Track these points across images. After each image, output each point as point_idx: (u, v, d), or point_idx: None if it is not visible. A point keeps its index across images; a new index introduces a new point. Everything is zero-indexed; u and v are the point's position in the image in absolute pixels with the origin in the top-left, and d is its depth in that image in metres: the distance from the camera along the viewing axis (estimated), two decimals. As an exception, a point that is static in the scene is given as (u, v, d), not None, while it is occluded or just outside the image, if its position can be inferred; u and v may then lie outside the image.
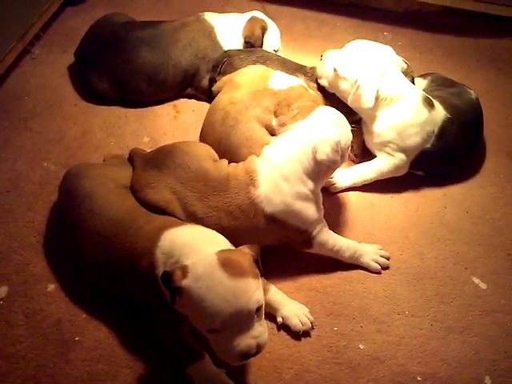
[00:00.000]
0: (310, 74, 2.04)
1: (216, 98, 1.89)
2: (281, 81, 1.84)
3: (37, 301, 1.58)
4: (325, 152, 1.57)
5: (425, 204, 1.91)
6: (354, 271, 1.70)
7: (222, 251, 1.32)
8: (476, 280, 1.72)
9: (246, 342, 1.25)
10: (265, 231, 1.59)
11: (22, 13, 2.27)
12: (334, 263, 1.69)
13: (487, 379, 1.51)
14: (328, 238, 1.65)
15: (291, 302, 1.57)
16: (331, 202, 1.85)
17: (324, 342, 1.55)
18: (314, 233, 1.62)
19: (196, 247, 1.35)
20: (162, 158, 1.64)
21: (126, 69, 2.11)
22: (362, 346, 1.55)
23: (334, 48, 2.14)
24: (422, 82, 2.09)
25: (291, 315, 1.54)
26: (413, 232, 1.83)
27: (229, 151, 1.75)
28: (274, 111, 1.80)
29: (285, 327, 1.56)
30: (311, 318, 1.56)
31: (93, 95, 2.18)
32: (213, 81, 2.09)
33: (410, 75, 1.98)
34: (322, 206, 1.65)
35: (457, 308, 1.65)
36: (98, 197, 1.55)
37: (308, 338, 1.55)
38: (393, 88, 1.83)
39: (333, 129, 1.61)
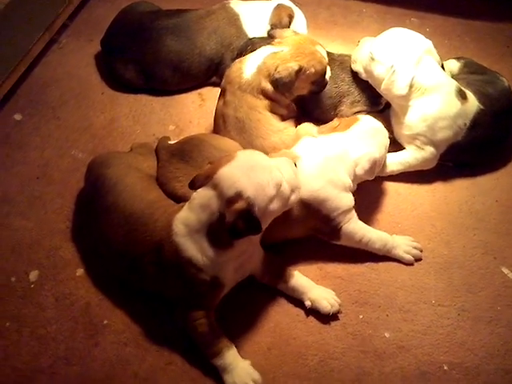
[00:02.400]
0: (337, 61, 2.02)
1: (215, 109, 1.89)
2: (250, 66, 1.81)
3: (66, 285, 1.61)
4: (363, 168, 1.65)
5: (453, 193, 1.88)
6: (380, 260, 1.68)
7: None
8: (505, 270, 1.69)
9: None
10: (295, 220, 1.59)
11: (48, 3, 2.29)
12: (360, 252, 1.68)
13: (515, 370, 1.49)
14: (357, 228, 1.64)
15: (317, 286, 1.58)
16: (356, 191, 1.83)
17: (349, 329, 1.55)
18: (343, 223, 1.62)
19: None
20: (188, 151, 1.65)
21: (151, 57, 2.12)
22: (387, 335, 1.54)
23: (359, 35, 2.12)
24: (455, 64, 2.05)
25: (319, 298, 1.54)
26: (440, 221, 1.80)
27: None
28: (261, 89, 1.78)
29: (312, 312, 1.56)
30: (338, 300, 1.56)
31: (119, 84, 2.20)
32: (237, 68, 2.08)
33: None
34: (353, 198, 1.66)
35: (485, 298, 1.62)
36: (122, 189, 1.56)
37: (333, 325, 1.55)
38: (427, 77, 1.80)
39: (372, 145, 1.68)
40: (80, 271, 1.64)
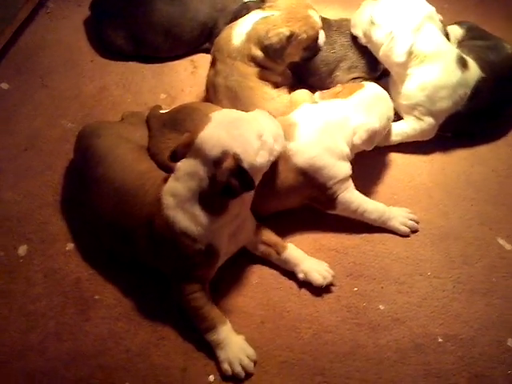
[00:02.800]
0: (335, 26, 1.96)
1: (206, 78, 1.84)
2: (239, 33, 1.75)
3: (56, 259, 1.59)
4: (361, 138, 1.60)
5: (451, 163, 1.85)
6: (375, 232, 1.66)
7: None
8: (501, 241, 1.67)
9: None
10: (291, 188, 1.57)
11: (34, -36, 2.21)
12: (355, 224, 1.66)
13: (510, 341, 1.48)
14: (353, 198, 1.61)
15: (309, 258, 1.56)
16: (353, 161, 1.79)
17: (343, 302, 1.54)
18: (339, 191, 1.59)
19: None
20: (181, 120, 1.61)
21: (141, 22, 2.05)
22: (382, 307, 1.53)
23: (354, -1, 2.05)
24: (458, 30, 1.99)
25: (312, 270, 1.53)
26: (437, 192, 1.78)
27: None
28: (251, 56, 1.72)
29: (306, 285, 1.55)
30: (331, 271, 1.55)
31: (109, 50, 2.13)
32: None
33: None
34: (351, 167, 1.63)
35: (481, 269, 1.61)
36: (112, 160, 1.53)
37: (327, 298, 1.54)
38: (427, 45, 1.74)
39: (373, 115, 1.63)
40: (70, 245, 1.62)
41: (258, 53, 1.71)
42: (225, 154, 1.31)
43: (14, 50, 2.14)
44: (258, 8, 1.81)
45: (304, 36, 1.73)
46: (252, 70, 1.73)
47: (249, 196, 1.42)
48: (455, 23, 2.03)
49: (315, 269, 1.54)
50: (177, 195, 1.36)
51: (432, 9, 1.80)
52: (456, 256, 1.63)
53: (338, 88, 1.71)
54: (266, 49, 1.70)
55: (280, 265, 1.57)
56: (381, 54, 1.80)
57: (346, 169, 1.60)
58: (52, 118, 1.94)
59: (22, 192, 1.73)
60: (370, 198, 1.66)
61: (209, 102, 1.79)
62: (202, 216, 1.34)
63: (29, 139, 1.87)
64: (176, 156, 1.39)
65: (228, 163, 1.31)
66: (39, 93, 2.01)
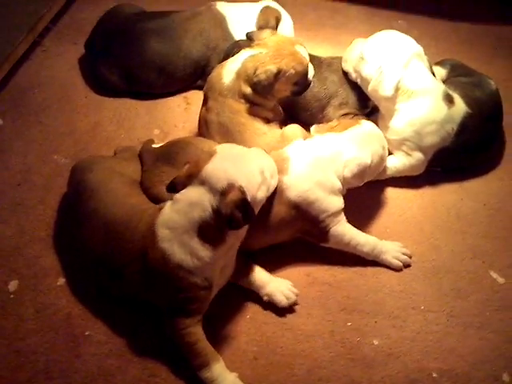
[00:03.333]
0: (325, 63, 2.01)
1: (199, 115, 1.86)
2: (229, 71, 1.79)
3: (47, 295, 1.57)
4: (351, 171, 1.61)
5: (441, 196, 1.87)
6: (368, 265, 1.66)
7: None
8: (494, 274, 1.67)
9: None
10: (284, 222, 1.58)
11: (32, 5, 2.27)
12: (348, 257, 1.66)
13: (505, 376, 1.47)
14: (345, 231, 1.62)
15: (274, 279, 1.57)
16: (344, 195, 1.81)
17: (337, 337, 1.52)
18: (331, 225, 1.60)
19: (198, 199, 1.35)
20: (174, 154, 1.62)
21: (135, 60, 2.09)
22: (376, 342, 1.52)
23: (346, 37, 2.11)
24: (441, 71, 2.03)
25: (275, 291, 1.54)
26: (428, 225, 1.79)
27: None
28: (242, 93, 1.75)
29: (299, 319, 1.54)
30: (295, 290, 1.56)
31: (103, 87, 2.16)
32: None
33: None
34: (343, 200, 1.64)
35: (474, 303, 1.61)
36: (103, 195, 1.53)
37: (321, 333, 1.52)
38: (415, 81, 1.78)
39: (365, 150, 1.64)
40: (61, 281, 1.60)
41: (248, 90, 1.74)
42: (231, 186, 1.33)
43: (9, 87, 2.16)
44: (248, 46, 1.85)
45: (292, 71, 1.76)
46: (243, 107, 1.76)
47: (244, 229, 1.43)
48: (436, 63, 2.06)
49: (279, 290, 1.54)
50: (173, 227, 1.35)
51: (420, 48, 1.85)
52: (449, 290, 1.63)
53: (334, 122, 1.73)
54: (254, 86, 1.73)
55: (245, 286, 1.57)
56: (369, 89, 1.84)
57: (337, 202, 1.61)
58: (45, 153, 1.95)
59: (13, 226, 1.73)
60: (362, 231, 1.67)
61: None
62: (199, 249, 1.34)
63: (22, 174, 1.88)
64: (175, 187, 1.39)
65: (234, 195, 1.32)
66: (33, 128, 2.03)
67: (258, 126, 1.77)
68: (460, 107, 1.82)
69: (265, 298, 1.55)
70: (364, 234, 1.66)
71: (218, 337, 1.49)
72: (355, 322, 1.55)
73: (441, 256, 1.71)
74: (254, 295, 1.57)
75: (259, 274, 1.56)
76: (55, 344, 1.47)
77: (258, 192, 1.40)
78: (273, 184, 1.49)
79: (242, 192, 1.34)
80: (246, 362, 1.46)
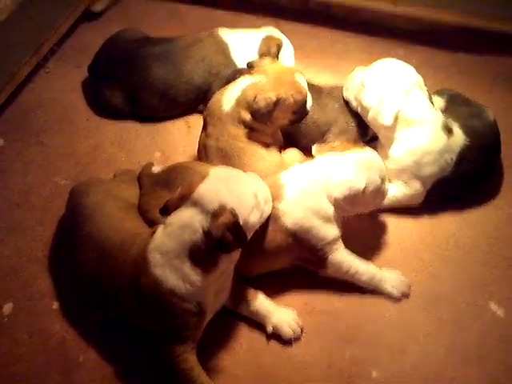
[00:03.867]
0: (325, 91, 2.02)
1: (198, 140, 1.87)
2: (229, 98, 1.80)
3: (41, 318, 1.55)
4: (342, 193, 1.57)
5: (440, 225, 1.86)
6: (367, 294, 1.65)
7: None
8: (493, 305, 1.66)
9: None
10: (281, 249, 1.57)
11: (37, 27, 2.29)
12: (347, 286, 1.64)
13: (506, 410, 1.45)
14: (343, 258, 1.61)
15: (279, 309, 1.55)
16: (343, 223, 1.80)
17: (335, 368, 1.50)
18: (329, 252, 1.59)
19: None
20: (172, 179, 1.62)
21: (138, 84, 2.11)
22: (374, 374, 1.50)
23: (347, 65, 2.13)
24: (439, 101, 2.04)
25: (281, 323, 1.52)
26: (427, 254, 1.78)
27: None
28: (241, 119, 1.76)
29: (298, 349, 1.53)
30: (300, 323, 1.54)
31: (105, 110, 2.18)
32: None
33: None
34: (340, 227, 1.63)
35: (474, 334, 1.59)
36: (98, 219, 1.52)
37: (320, 363, 1.51)
38: (414, 110, 1.79)
39: (360, 175, 1.60)
40: (56, 304, 1.59)
41: (247, 116, 1.75)
42: (223, 208, 1.32)
43: (11, 108, 2.17)
44: (248, 74, 1.87)
45: (291, 100, 1.78)
46: (242, 132, 1.77)
47: (237, 253, 1.42)
48: (435, 93, 2.07)
49: (285, 321, 1.52)
50: (165, 252, 1.34)
51: (420, 77, 1.87)
52: (448, 320, 1.62)
53: (336, 143, 1.72)
54: (254, 112, 1.74)
55: (249, 316, 1.55)
56: (369, 118, 1.85)
57: (333, 231, 1.60)
58: (45, 174, 1.95)
59: (10, 247, 1.72)
60: (360, 259, 1.65)
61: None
62: (191, 273, 1.33)
63: (21, 194, 1.88)
64: (168, 209, 1.38)
65: (225, 218, 1.31)
66: (34, 149, 2.04)
67: (257, 150, 1.77)
68: (459, 137, 1.83)
69: (269, 328, 1.52)
70: (363, 262, 1.65)
71: (214, 366, 1.47)
72: (354, 353, 1.53)
73: (440, 285, 1.70)
74: (252, 323, 1.55)
75: (264, 304, 1.54)
76: (48, 369, 1.46)
77: (250, 216, 1.39)
78: (266, 210, 1.48)
79: (234, 215, 1.33)
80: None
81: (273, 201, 1.55)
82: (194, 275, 1.33)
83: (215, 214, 1.32)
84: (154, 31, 2.35)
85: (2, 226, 1.78)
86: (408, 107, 1.79)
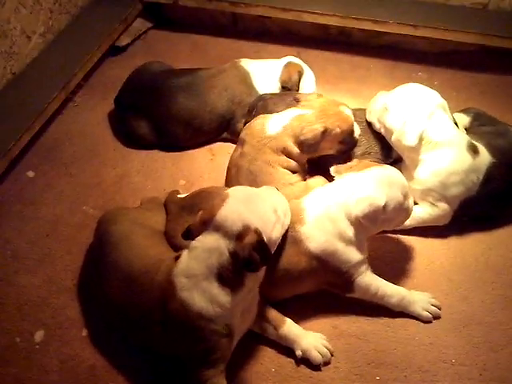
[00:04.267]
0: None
1: (230, 158, 1.92)
2: (275, 124, 1.84)
3: (71, 346, 1.57)
4: (362, 210, 1.55)
5: (468, 246, 1.84)
6: (396, 317, 1.63)
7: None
8: (526, 326, 1.62)
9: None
10: (306, 272, 1.56)
11: (66, 63, 2.38)
12: (375, 308, 1.63)
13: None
14: (371, 281, 1.60)
15: (308, 333, 1.54)
16: (370, 245, 1.79)
17: (366, 392, 1.48)
18: (356, 275, 1.58)
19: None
20: (198, 204, 1.64)
21: (163, 115, 2.16)
22: (406, 397, 1.47)
23: (368, 89, 2.15)
24: (464, 118, 2.05)
25: (310, 348, 1.51)
26: (457, 275, 1.75)
27: None
28: (284, 147, 1.81)
29: (327, 372, 1.51)
30: (330, 346, 1.53)
31: (131, 140, 2.23)
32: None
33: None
34: (365, 249, 1.61)
35: (507, 356, 1.55)
36: (125, 247, 1.54)
37: (349, 387, 1.48)
38: (438, 132, 1.79)
39: (380, 191, 1.57)
40: (86, 331, 1.60)
41: (293, 146, 1.81)
42: (247, 229, 1.34)
43: (41, 140, 2.24)
44: (279, 99, 1.91)
45: (338, 130, 1.83)
46: (278, 159, 1.81)
47: (262, 271, 1.43)
48: (461, 111, 2.10)
49: (314, 346, 1.51)
50: (192, 275, 1.35)
51: (443, 100, 1.88)
52: (480, 342, 1.58)
53: (354, 162, 1.69)
54: (301, 144, 1.80)
55: (277, 340, 1.54)
56: (393, 139, 1.86)
57: (356, 253, 1.58)
58: (74, 204, 2.00)
59: (41, 276, 1.75)
60: (389, 282, 1.64)
61: (228, 182, 1.86)
62: (219, 294, 1.34)
63: (51, 224, 1.92)
64: (191, 234, 1.40)
65: (250, 238, 1.33)
66: (63, 180, 2.09)
67: (285, 176, 1.80)
68: (484, 157, 1.82)
69: (298, 353, 1.51)
70: (391, 284, 1.63)
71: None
72: (384, 376, 1.50)
73: (471, 307, 1.67)
74: (280, 348, 1.54)
75: (293, 328, 1.53)
76: (79, 396, 1.46)
77: (273, 232, 1.41)
78: (286, 222, 1.50)
79: (258, 234, 1.34)
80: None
81: (295, 225, 1.55)
82: (223, 296, 1.34)
83: (240, 236, 1.33)
84: (177, 63, 2.43)
85: (32, 257, 1.81)
86: (432, 129, 1.79)
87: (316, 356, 1.50)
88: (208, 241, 1.36)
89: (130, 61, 2.61)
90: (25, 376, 1.51)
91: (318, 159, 1.97)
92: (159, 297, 1.39)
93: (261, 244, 1.33)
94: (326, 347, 1.53)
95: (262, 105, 2.08)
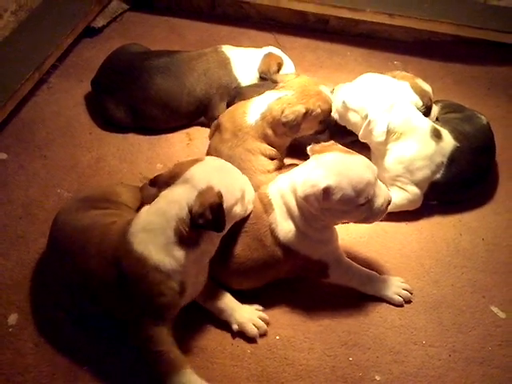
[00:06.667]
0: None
1: (210, 143, 1.92)
2: (254, 111, 1.83)
3: (46, 328, 1.55)
4: (303, 191, 1.47)
5: (440, 231, 1.88)
6: (368, 300, 1.66)
7: None
8: (494, 309, 1.67)
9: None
10: (281, 261, 1.57)
11: (39, 43, 2.33)
12: (348, 291, 1.66)
13: (509, 413, 1.45)
14: (345, 268, 1.63)
15: (243, 306, 1.57)
16: (344, 231, 1.82)
17: (339, 372, 1.51)
18: (329, 263, 1.60)
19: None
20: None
21: (140, 96, 2.14)
22: (378, 377, 1.50)
23: (345, 77, 2.16)
24: (434, 108, 2.08)
25: (245, 321, 1.54)
26: (428, 259, 1.80)
27: None
28: (263, 134, 1.82)
29: (302, 354, 1.53)
30: (266, 317, 1.56)
31: (108, 123, 2.21)
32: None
33: (428, 100, 1.99)
34: (336, 236, 1.63)
35: (476, 338, 1.60)
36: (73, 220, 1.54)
37: (323, 368, 1.51)
38: (401, 121, 1.82)
39: (327, 176, 1.46)
40: (61, 314, 1.58)
41: (270, 132, 1.81)
42: (210, 189, 1.38)
43: (14, 122, 2.20)
44: (256, 90, 1.90)
45: (318, 111, 1.83)
46: (259, 146, 1.82)
47: (217, 238, 1.45)
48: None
49: (249, 319, 1.54)
50: (150, 230, 1.37)
51: (405, 84, 1.90)
52: (450, 324, 1.63)
53: (330, 142, 1.59)
54: (283, 126, 1.79)
55: (215, 313, 1.56)
56: (360, 136, 1.86)
57: (325, 241, 1.58)
58: (48, 187, 1.97)
59: (14, 259, 1.73)
60: (361, 266, 1.67)
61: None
62: (175, 249, 1.36)
63: (24, 207, 1.89)
64: (158, 182, 1.45)
65: (211, 197, 1.36)
66: (36, 163, 2.05)
67: (263, 163, 1.81)
68: (448, 141, 1.87)
69: (235, 327, 1.54)
70: (364, 269, 1.66)
71: (217, 371, 1.47)
72: (356, 358, 1.54)
73: (441, 290, 1.71)
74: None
75: (229, 302, 1.56)
76: (54, 378, 1.45)
77: (234, 206, 1.44)
78: (248, 210, 1.54)
79: (219, 197, 1.37)
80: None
81: (263, 215, 1.56)
82: (178, 251, 1.36)
83: (202, 193, 1.37)
84: (153, 47, 2.40)
85: (5, 239, 1.78)
86: (395, 119, 1.82)
87: (251, 329, 1.53)
88: (172, 194, 1.39)
89: (107, 43, 2.58)
90: (-1, 359, 1.49)
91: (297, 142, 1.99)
92: (112, 256, 1.39)
93: (218, 206, 1.36)
94: (262, 318, 1.55)
95: (239, 98, 2.06)
